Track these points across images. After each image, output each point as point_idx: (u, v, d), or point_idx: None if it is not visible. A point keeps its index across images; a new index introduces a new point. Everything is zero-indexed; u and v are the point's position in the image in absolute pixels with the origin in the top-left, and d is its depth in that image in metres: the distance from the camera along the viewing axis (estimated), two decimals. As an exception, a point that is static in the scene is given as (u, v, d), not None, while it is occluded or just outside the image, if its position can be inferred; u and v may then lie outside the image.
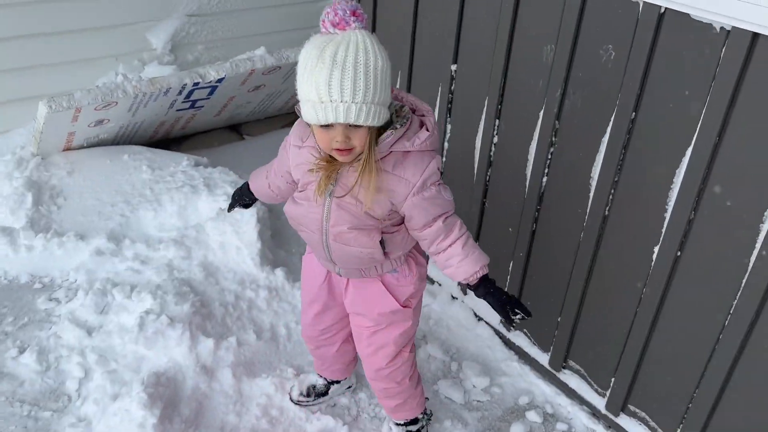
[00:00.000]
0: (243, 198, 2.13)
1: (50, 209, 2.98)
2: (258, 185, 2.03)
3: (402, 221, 1.73)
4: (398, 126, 1.56)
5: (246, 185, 2.10)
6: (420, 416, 2.22)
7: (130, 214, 2.99)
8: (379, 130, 1.53)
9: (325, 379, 2.34)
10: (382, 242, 1.70)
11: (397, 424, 2.21)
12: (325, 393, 2.34)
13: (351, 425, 2.29)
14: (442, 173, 1.70)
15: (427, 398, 2.30)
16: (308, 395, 2.32)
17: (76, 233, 2.86)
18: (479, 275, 1.71)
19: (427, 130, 1.60)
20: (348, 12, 1.41)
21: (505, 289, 1.81)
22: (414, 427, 2.22)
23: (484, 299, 1.74)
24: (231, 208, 2.20)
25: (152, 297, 2.48)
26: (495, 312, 1.73)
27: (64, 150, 3.32)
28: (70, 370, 2.37)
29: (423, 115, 1.64)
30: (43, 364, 2.40)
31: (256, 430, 2.21)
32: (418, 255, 1.89)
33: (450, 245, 1.69)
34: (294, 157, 1.72)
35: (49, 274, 2.82)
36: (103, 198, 3.06)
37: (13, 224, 2.89)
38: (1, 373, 2.35)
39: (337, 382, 2.35)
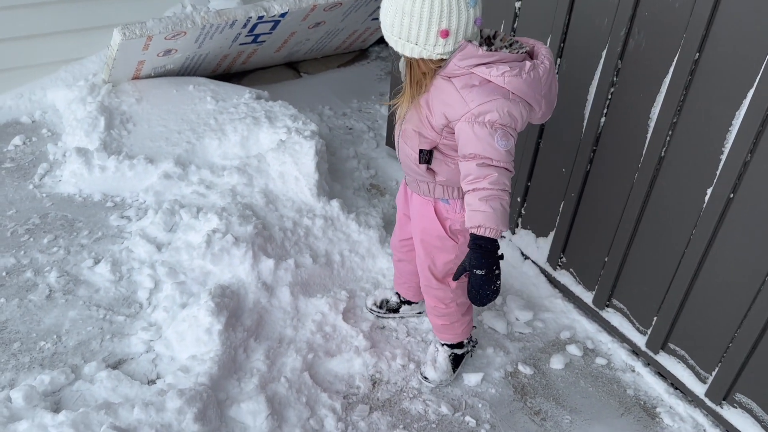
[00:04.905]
0: None
1: (121, 133, 3.14)
2: None
3: None
4: (493, 48, 1.70)
5: None
6: (465, 341, 2.34)
7: (196, 141, 3.13)
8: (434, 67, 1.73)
9: (399, 297, 2.51)
10: (429, 155, 1.84)
11: (443, 345, 2.34)
12: (396, 310, 2.53)
13: (396, 345, 2.43)
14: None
15: (474, 326, 2.41)
16: (380, 307, 2.52)
17: (146, 157, 3.02)
18: (479, 232, 1.72)
19: (512, 69, 1.65)
20: None
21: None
22: (459, 351, 2.34)
23: (469, 250, 1.78)
24: None
25: (218, 218, 2.63)
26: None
27: (132, 79, 3.47)
28: (141, 281, 2.55)
29: (534, 60, 1.72)
30: (117, 275, 2.58)
31: (311, 343, 2.37)
32: None
33: (472, 190, 1.72)
34: None
35: (120, 194, 3.00)
36: (170, 125, 3.20)
37: (87, 146, 3.06)
38: (79, 281, 2.55)
39: (409, 303, 2.52)
